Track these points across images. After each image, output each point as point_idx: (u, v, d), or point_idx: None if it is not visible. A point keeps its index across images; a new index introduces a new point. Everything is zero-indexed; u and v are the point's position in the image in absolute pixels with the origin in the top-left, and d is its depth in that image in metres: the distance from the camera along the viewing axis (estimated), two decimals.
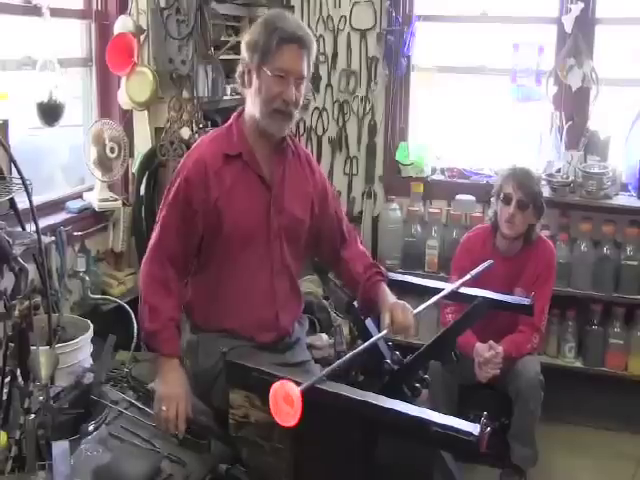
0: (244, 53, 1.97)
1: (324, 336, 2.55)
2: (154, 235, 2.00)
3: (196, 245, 1.99)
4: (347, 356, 1.84)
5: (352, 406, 1.64)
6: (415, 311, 2.02)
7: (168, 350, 1.92)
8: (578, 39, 3.26)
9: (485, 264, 2.45)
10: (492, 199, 2.93)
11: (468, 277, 2.36)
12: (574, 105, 3.36)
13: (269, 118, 1.94)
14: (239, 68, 2.00)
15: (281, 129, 1.99)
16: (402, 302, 2.03)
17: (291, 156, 2.08)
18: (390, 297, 2.06)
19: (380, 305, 2.05)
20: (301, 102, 1.98)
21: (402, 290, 2.32)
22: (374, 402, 1.63)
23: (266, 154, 2.03)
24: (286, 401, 1.55)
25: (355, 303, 2.18)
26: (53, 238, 2.66)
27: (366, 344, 1.91)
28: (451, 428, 1.53)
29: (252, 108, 1.98)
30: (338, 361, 1.85)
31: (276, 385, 1.57)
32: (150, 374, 2.17)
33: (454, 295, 2.43)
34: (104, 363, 2.13)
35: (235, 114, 2.07)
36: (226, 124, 2.08)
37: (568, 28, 3.25)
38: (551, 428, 3.01)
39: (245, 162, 1.99)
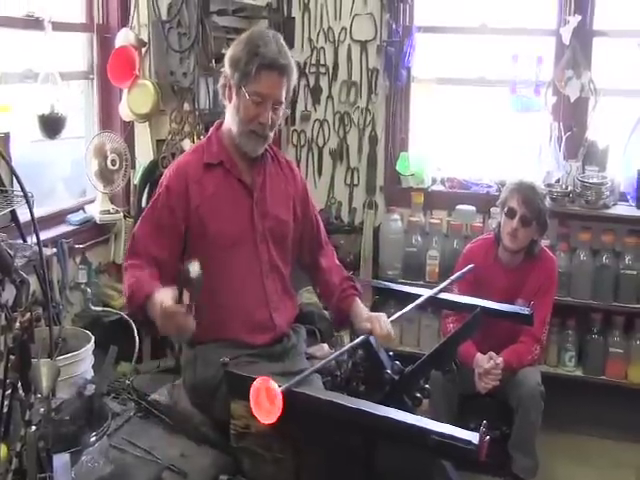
0: (226, 67, 2.01)
1: (325, 346, 2.54)
2: (128, 242, 2.05)
3: (173, 253, 2.00)
4: (332, 356, 1.91)
5: (352, 415, 1.64)
6: (391, 318, 2.09)
7: (147, 290, 1.85)
8: (576, 50, 3.28)
9: (465, 269, 2.48)
10: (495, 210, 2.95)
11: (448, 282, 2.40)
12: (573, 116, 3.38)
13: (245, 137, 2.01)
14: (221, 80, 2.04)
15: (255, 149, 2.05)
16: (378, 313, 2.11)
17: (270, 161, 2.14)
18: (365, 311, 2.14)
19: (353, 318, 2.13)
20: (277, 126, 2.04)
21: (401, 300, 2.33)
22: (373, 411, 1.64)
23: (247, 163, 2.08)
24: (268, 398, 1.58)
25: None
26: (54, 250, 2.68)
27: (347, 347, 1.97)
28: (450, 437, 1.53)
29: (231, 123, 2.03)
30: (323, 361, 1.90)
31: (257, 382, 1.60)
32: (151, 386, 2.18)
33: (453, 304, 2.45)
34: (105, 375, 2.13)
35: (215, 125, 2.12)
36: (206, 136, 2.14)
37: (566, 40, 3.28)
38: (552, 437, 3.01)
39: (226, 169, 2.05)
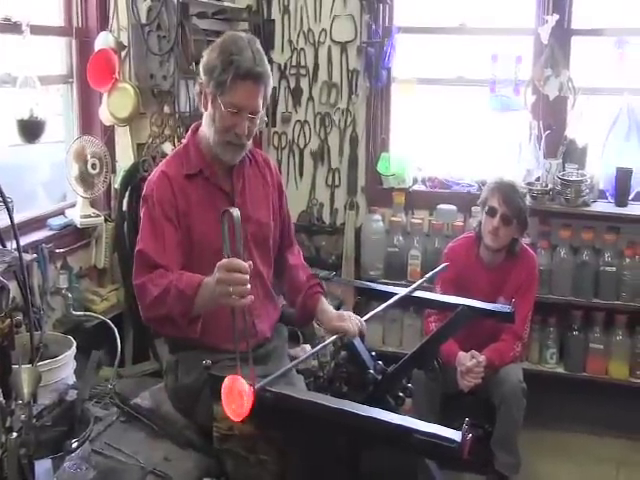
0: (201, 74, 1.98)
1: (307, 347, 2.55)
2: (135, 255, 1.96)
3: (179, 263, 1.97)
4: (307, 354, 1.96)
5: (334, 416, 1.65)
6: (365, 317, 2.13)
7: (196, 279, 1.81)
8: (555, 50, 3.31)
9: (437, 268, 2.50)
10: (476, 209, 2.97)
11: (421, 281, 2.43)
12: (552, 114, 3.41)
13: (222, 148, 1.99)
14: (197, 87, 2.03)
15: (233, 158, 2.03)
16: (346, 312, 2.15)
17: (248, 164, 2.13)
18: (331, 309, 2.17)
19: (320, 316, 2.16)
20: (253, 134, 2.02)
21: (382, 300, 2.35)
22: (356, 411, 1.64)
23: (226, 168, 2.07)
24: (238, 395, 1.59)
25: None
26: (35, 255, 2.66)
27: (321, 345, 2.01)
28: (433, 435, 1.54)
29: (207, 130, 2.02)
30: (298, 359, 1.94)
31: (228, 380, 1.60)
32: (134, 390, 2.17)
33: (435, 303, 2.47)
34: (88, 380, 2.12)
35: (191, 130, 2.10)
36: (183, 142, 2.12)
37: (545, 39, 3.30)
38: (534, 434, 3.04)
39: (206, 178, 2.03)
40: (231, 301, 1.64)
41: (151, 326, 1.99)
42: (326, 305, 2.18)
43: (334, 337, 2.04)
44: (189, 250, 1.99)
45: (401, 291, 2.44)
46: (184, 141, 2.13)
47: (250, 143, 2.04)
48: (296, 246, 2.36)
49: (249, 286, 1.65)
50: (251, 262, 1.67)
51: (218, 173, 2.06)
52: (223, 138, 1.97)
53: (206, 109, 2.00)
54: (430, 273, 2.51)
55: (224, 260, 1.64)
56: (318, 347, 2.01)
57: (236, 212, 1.57)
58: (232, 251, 1.62)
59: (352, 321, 2.08)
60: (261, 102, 1.97)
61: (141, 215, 2.02)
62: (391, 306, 2.28)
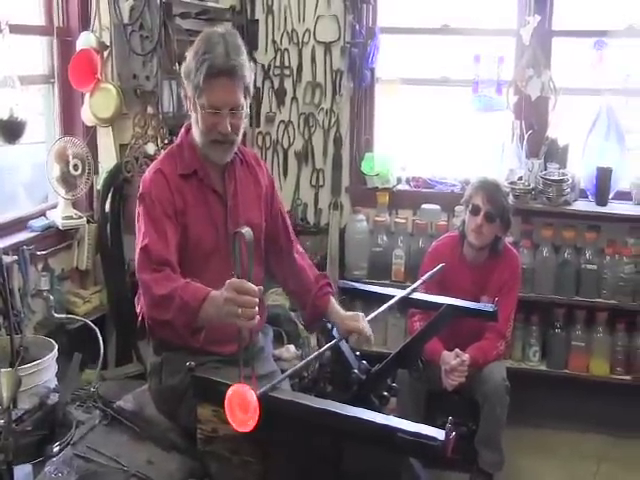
0: (182, 77, 1.98)
1: (292, 348, 2.55)
2: (140, 252, 1.91)
3: (177, 250, 1.94)
4: (306, 359, 1.91)
5: (318, 416, 1.65)
6: (368, 318, 2.13)
7: (202, 292, 1.78)
8: (536, 50, 3.33)
9: (436, 268, 2.51)
10: (460, 208, 2.98)
11: (419, 282, 2.43)
12: (534, 114, 3.43)
13: (209, 148, 1.99)
14: (182, 90, 2.03)
15: (223, 157, 2.02)
16: (358, 314, 2.13)
17: (240, 164, 2.12)
18: (342, 310, 2.16)
19: (332, 316, 2.15)
20: (242, 128, 2.00)
21: (367, 300, 2.36)
22: (339, 411, 1.64)
23: (217, 170, 2.06)
24: (242, 406, 1.56)
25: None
26: (15, 257, 2.64)
27: (325, 347, 1.98)
28: (416, 434, 1.55)
29: (195, 133, 2.01)
30: (299, 364, 1.91)
31: (231, 390, 1.57)
32: (117, 392, 2.16)
33: (418, 302, 2.47)
34: (69, 383, 2.11)
35: (184, 129, 2.09)
36: (176, 142, 2.10)
37: (526, 40, 3.33)
38: (517, 431, 3.06)
39: (200, 179, 2.02)
40: (238, 322, 1.62)
41: (150, 327, 1.95)
42: (337, 305, 2.19)
43: (333, 343, 2.03)
44: (184, 249, 1.97)
45: (385, 291, 2.45)
46: (177, 140, 2.10)
47: (239, 138, 2.01)
48: (298, 245, 2.33)
49: (257, 309, 1.63)
50: (261, 287, 1.65)
51: (211, 174, 2.04)
52: (208, 138, 1.96)
53: (190, 112, 1.99)
54: (427, 274, 2.49)
55: (235, 280, 1.61)
56: (322, 349, 1.98)
57: (248, 233, 1.55)
58: (242, 272, 1.60)
59: (365, 321, 2.09)
60: (241, 95, 1.94)
61: (138, 214, 1.97)
62: (376, 305, 2.28)
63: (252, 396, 1.55)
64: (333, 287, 2.26)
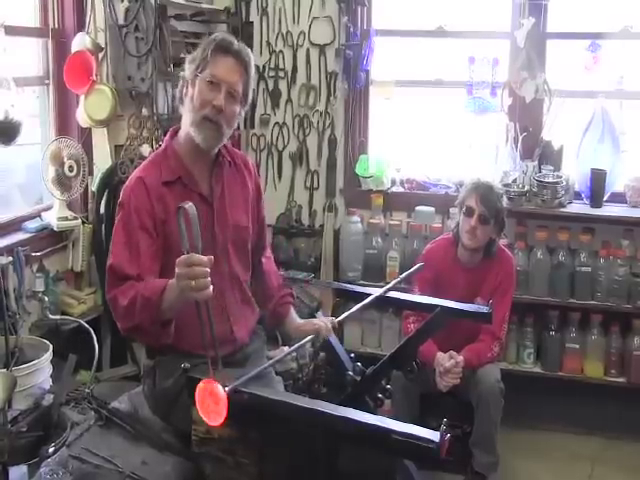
0: (185, 68, 2.02)
1: (286, 349, 2.55)
2: (107, 270, 1.92)
3: (155, 273, 1.94)
4: (277, 357, 1.97)
5: (312, 417, 1.66)
6: (340, 318, 2.20)
7: (160, 284, 1.79)
8: (530, 53, 3.34)
9: (414, 267, 2.52)
10: (454, 210, 2.99)
11: (396, 280, 2.46)
12: (528, 116, 3.44)
13: (198, 126, 1.97)
14: (180, 82, 2.04)
15: (209, 141, 1.99)
16: (311, 319, 2.25)
17: (228, 167, 2.12)
18: (298, 318, 2.27)
19: (286, 326, 2.26)
20: (234, 120, 2.02)
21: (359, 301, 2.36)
22: (333, 413, 1.65)
23: (204, 171, 2.06)
24: (213, 400, 1.58)
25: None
26: (10, 259, 2.64)
27: (295, 346, 2.02)
28: (411, 436, 1.55)
29: (186, 120, 2.01)
30: (272, 360, 1.95)
31: (201, 384, 1.60)
32: (112, 394, 2.16)
33: (413, 304, 2.48)
34: (64, 384, 2.11)
35: (169, 135, 2.09)
36: (161, 148, 2.10)
37: (520, 42, 3.33)
38: (512, 433, 3.07)
39: (185, 184, 2.01)
40: (194, 294, 1.63)
41: (126, 337, 1.98)
42: (294, 315, 2.27)
43: (309, 337, 2.07)
44: (167, 258, 1.94)
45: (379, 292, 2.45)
46: (162, 146, 2.11)
47: (228, 130, 2.01)
48: (269, 249, 2.40)
49: (210, 279, 1.64)
50: (212, 257, 1.67)
51: (196, 178, 2.04)
52: (200, 114, 1.95)
53: (187, 95, 2.00)
54: (405, 273, 2.52)
55: (183, 256, 1.63)
56: (293, 347, 2.02)
57: (191, 208, 1.58)
58: (190, 247, 1.62)
59: (322, 320, 2.16)
60: (241, 85, 1.98)
61: (115, 223, 1.98)
62: (366, 306, 2.32)
63: (221, 391, 1.57)
64: (294, 297, 2.35)
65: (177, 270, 1.65)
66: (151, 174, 2.00)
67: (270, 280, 2.30)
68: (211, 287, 1.65)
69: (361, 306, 2.27)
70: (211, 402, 1.59)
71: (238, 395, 1.63)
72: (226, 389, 1.58)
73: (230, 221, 2.07)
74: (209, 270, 1.64)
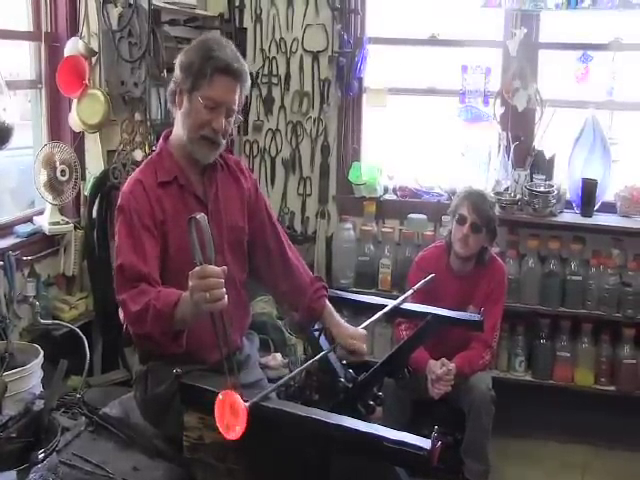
0: (177, 72, 1.97)
1: (278, 356, 2.55)
2: (116, 270, 1.91)
3: (158, 263, 1.94)
4: (296, 370, 1.91)
5: (304, 424, 1.65)
6: (361, 326, 2.13)
7: (174, 296, 1.76)
8: (523, 62, 3.37)
9: (427, 278, 2.51)
10: (446, 218, 3.00)
11: (410, 292, 2.43)
12: (520, 125, 3.47)
13: (196, 144, 1.97)
14: (171, 86, 2.01)
15: (208, 156, 2.01)
16: (361, 331, 2.12)
17: (220, 170, 2.12)
18: (336, 315, 2.17)
19: (326, 321, 2.15)
20: (230, 132, 2.01)
21: (354, 309, 2.36)
22: (325, 420, 1.64)
23: (198, 173, 2.06)
24: (232, 412, 1.55)
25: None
26: (1, 263, 2.63)
27: (316, 357, 1.97)
28: (402, 443, 1.54)
29: (180, 130, 2.00)
30: (288, 375, 1.90)
31: (221, 396, 1.56)
32: (103, 399, 2.14)
33: (405, 312, 2.48)
34: (55, 389, 2.09)
35: (162, 137, 2.09)
36: (156, 151, 2.10)
37: (513, 52, 3.36)
38: (502, 441, 3.08)
39: (181, 185, 2.02)
40: (209, 306, 1.61)
41: (134, 339, 1.94)
42: (334, 312, 2.18)
43: (323, 352, 2.03)
44: (166, 260, 1.95)
45: (371, 300, 2.45)
46: (156, 149, 2.11)
47: (225, 143, 2.02)
48: (293, 247, 2.30)
49: (224, 290, 1.62)
50: (225, 267, 1.65)
51: (191, 179, 2.04)
52: (197, 133, 1.95)
53: (180, 107, 1.98)
54: (419, 284, 2.47)
55: (197, 268, 1.61)
56: (318, 356, 1.98)
57: (203, 218, 1.56)
58: (204, 258, 1.60)
59: (364, 340, 2.09)
60: (237, 99, 1.97)
61: (117, 227, 1.96)
62: (369, 315, 2.27)
63: (242, 404, 1.54)
64: (327, 289, 2.24)
65: (191, 283, 1.62)
66: (148, 176, 2.00)
67: (300, 275, 2.20)
68: (226, 297, 1.62)
69: (378, 316, 2.22)
70: (229, 414, 1.55)
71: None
72: (247, 404, 1.55)
73: (225, 222, 2.06)
74: (223, 281, 1.62)
